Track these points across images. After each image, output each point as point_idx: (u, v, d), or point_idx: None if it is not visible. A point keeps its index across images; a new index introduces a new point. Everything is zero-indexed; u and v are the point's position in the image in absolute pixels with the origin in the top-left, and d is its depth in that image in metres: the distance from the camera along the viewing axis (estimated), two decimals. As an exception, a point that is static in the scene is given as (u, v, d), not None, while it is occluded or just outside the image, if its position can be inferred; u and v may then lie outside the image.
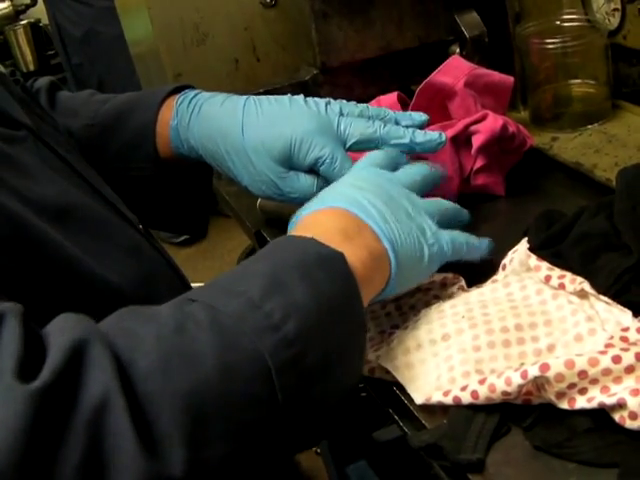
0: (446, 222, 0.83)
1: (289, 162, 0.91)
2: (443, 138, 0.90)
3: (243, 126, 0.92)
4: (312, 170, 0.91)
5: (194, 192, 1.09)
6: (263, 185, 0.93)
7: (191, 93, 0.99)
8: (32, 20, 3.96)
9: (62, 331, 0.57)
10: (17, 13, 3.95)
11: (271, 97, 0.94)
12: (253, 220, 1.13)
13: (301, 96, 0.93)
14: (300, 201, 0.92)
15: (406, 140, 0.89)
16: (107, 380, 0.53)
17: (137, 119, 1.00)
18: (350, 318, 0.68)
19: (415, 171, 0.86)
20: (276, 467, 0.66)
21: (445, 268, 0.83)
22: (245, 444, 0.59)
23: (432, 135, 0.90)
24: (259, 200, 1.12)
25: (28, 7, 3.94)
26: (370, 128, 0.89)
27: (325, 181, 0.90)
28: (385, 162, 0.85)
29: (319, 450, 2.00)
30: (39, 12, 3.87)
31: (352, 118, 0.91)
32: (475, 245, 0.83)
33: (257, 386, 0.59)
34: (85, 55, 3.43)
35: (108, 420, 0.52)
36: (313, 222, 0.76)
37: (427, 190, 0.86)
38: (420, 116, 0.92)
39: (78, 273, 0.70)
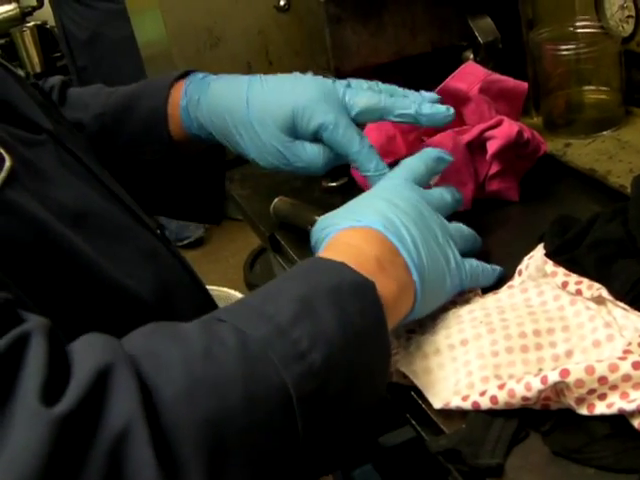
0: (465, 249, 0.83)
1: (294, 131, 0.91)
2: (451, 111, 0.89)
3: (248, 99, 0.93)
4: (318, 139, 0.91)
5: (208, 176, 1.09)
6: (270, 156, 0.93)
7: (200, 75, 1.01)
8: (39, 22, 3.97)
9: (88, 353, 0.56)
10: (23, 15, 3.95)
11: (278, 74, 0.95)
12: (266, 224, 1.14)
13: (309, 73, 0.94)
14: (307, 171, 0.93)
15: (411, 111, 0.88)
16: (131, 408, 0.53)
17: (148, 103, 1.01)
18: (375, 350, 0.68)
19: (446, 193, 0.86)
20: None
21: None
22: (263, 472, 0.59)
23: (439, 108, 0.89)
24: (273, 203, 1.12)
25: (35, 9, 3.94)
26: (375, 98, 0.89)
27: (331, 150, 0.91)
28: (423, 176, 0.85)
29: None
30: (45, 14, 3.88)
31: (358, 89, 0.91)
32: (489, 272, 0.84)
33: (279, 416, 0.59)
34: (90, 58, 3.43)
35: (130, 449, 0.51)
36: (348, 242, 0.75)
37: (450, 213, 0.86)
38: (431, 95, 0.92)
39: (96, 278, 0.70)
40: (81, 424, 0.51)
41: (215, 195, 1.12)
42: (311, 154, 0.91)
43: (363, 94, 0.90)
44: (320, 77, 0.93)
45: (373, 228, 0.75)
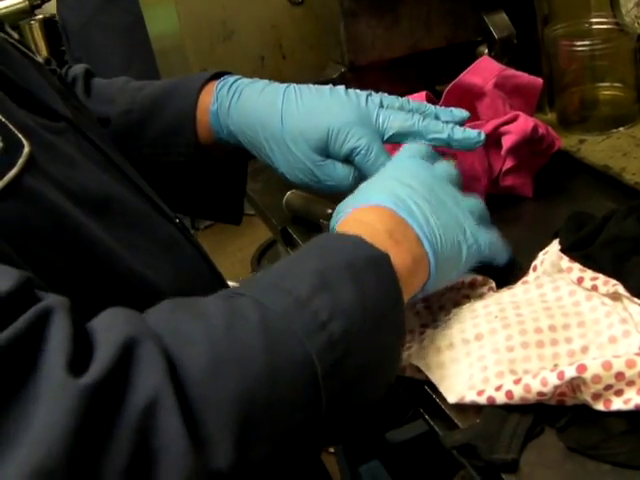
0: (481, 222, 0.83)
1: (326, 151, 0.91)
2: (482, 137, 0.90)
3: (282, 115, 0.92)
4: (349, 160, 0.91)
5: (231, 178, 1.09)
6: (300, 173, 0.93)
7: (231, 79, 0.99)
8: (47, 15, 3.97)
9: (111, 327, 0.56)
10: (32, 8, 3.95)
11: (312, 86, 0.94)
12: (279, 218, 1.14)
13: (342, 87, 0.94)
14: (336, 190, 0.93)
15: (444, 135, 0.88)
16: (158, 380, 0.53)
17: (177, 104, 1.00)
18: (392, 323, 0.69)
19: (451, 166, 0.86)
20: (306, 462, 0.66)
21: (474, 269, 0.83)
22: (288, 444, 0.60)
23: (471, 133, 0.89)
24: (285, 197, 1.12)
25: (43, 2, 3.94)
26: (409, 121, 0.89)
27: (360, 171, 0.91)
28: (427, 155, 0.86)
29: (332, 449, 2.00)
30: (54, 7, 3.88)
31: (391, 110, 0.91)
32: (504, 248, 0.84)
33: (304, 390, 0.60)
34: (83, 48, 3.43)
35: (159, 420, 0.52)
36: (360, 220, 0.76)
37: (459, 184, 0.86)
38: (461, 112, 0.92)
39: (115, 268, 0.70)
40: (109, 395, 0.51)
41: (237, 195, 1.12)
42: (342, 174, 0.92)
43: (397, 116, 0.90)
44: (353, 92, 0.93)
45: (382, 205, 0.76)
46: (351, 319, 0.63)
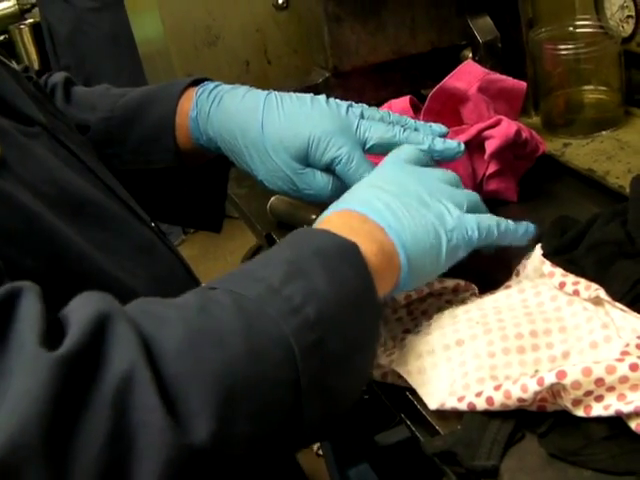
0: (479, 212, 0.82)
1: (306, 160, 0.91)
2: (462, 148, 0.89)
3: (263, 122, 0.92)
4: (329, 169, 0.91)
5: (212, 185, 1.09)
6: (279, 180, 0.93)
7: (211, 85, 0.99)
8: (37, 19, 3.96)
9: (84, 305, 0.57)
10: (22, 12, 3.94)
11: (293, 95, 0.94)
12: (263, 223, 1.14)
13: (323, 96, 0.93)
14: (314, 198, 0.93)
15: (424, 146, 0.88)
16: (132, 354, 0.53)
17: (157, 110, 1.00)
18: (367, 307, 0.69)
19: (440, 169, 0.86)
20: (288, 458, 0.67)
21: (457, 275, 0.83)
22: (268, 425, 0.60)
23: (451, 144, 0.89)
24: (269, 202, 1.12)
25: (34, 6, 3.92)
26: (390, 132, 0.89)
27: (338, 180, 0.91)
28: (413, 157, 0.85)
29: (321, 452, 2.00)
30: (44, 11, 3.87)
31: (372, 121, 0.91)
32: (510, 230, 0.82)
33: (283, 368, 0.60)
34: (72, 56, 3.43)
35: (134, 394, 0.52)
36: (320, 221, 0.77)
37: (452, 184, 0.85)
38: (440, 128, 0.92)
39: (87, 269, 0.70)
40: (83, 368, 0.52)
41: (217, 202, 1.12)
42: (321, 183, 0.91)
43: (377, 127, 0.90)
44: (334, 102, 0.92)
45: (345, 209, 0.77)
46: (325, 303, 0.64)
